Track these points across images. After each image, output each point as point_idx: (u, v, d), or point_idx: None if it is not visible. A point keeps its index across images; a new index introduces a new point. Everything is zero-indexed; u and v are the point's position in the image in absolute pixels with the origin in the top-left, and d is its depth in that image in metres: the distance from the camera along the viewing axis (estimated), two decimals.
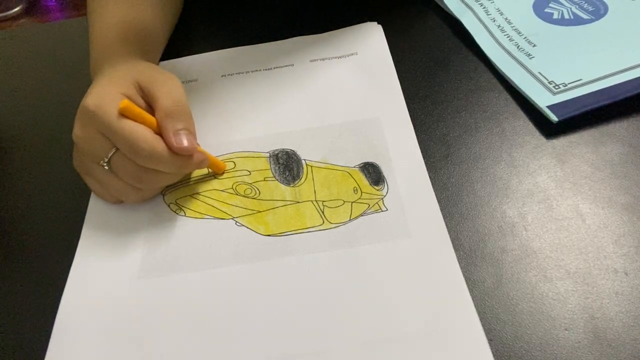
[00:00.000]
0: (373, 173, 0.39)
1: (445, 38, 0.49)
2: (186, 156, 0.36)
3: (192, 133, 0.36)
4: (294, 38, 0.50)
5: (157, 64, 0.48)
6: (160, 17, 0.47)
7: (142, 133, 0.34)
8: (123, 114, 0.34)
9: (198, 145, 0.38)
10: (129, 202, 0.38)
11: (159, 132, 0.36)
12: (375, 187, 0.38)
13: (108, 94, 0.35)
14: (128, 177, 0.36)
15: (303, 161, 0.40)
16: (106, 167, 0.36)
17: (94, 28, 0.44)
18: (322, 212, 0.37)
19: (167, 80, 0.37)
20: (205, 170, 0.40)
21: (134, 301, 0.34)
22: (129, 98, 0.36)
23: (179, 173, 0.38)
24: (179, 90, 0.37)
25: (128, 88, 0.36)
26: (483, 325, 0.30)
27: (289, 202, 0.38)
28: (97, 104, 0.34)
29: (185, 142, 0.35)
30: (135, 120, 0.35)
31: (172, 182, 0.39)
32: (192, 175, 0.40)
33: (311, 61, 0.48)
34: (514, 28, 0.48)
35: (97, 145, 0.35)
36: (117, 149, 0.35)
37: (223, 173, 0.40)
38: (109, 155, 0.35)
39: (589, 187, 0.37)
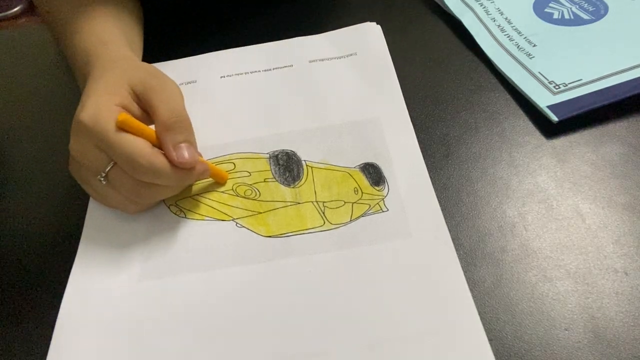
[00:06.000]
0: (373, 173, 0.39)
1: (445, 38, 0.49)
2: (187, 169, 0.35)
3: (192, 145, 0.36)
4: (293, 38, 0.50)
5: (141, 55, 0.46)
6: (124, 6, 0.46)
7: (140, 148, 0.33)
8: (121, 128, 0.34)
9: (200, 155, 0.37)
10: (127, 212, 0.38)
11: (159, 144, 0.35)
12: (375, 187, 0.38)
13: (104, 107, 0.34)
14: (126, 192, 0.35)
15: (303, 162, 0.40)
16: (103, 182, 0.35)
17: (66, 30, 0.42)
18: (323, 213, 0.37)
19: (164, 86, 0.36)
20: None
21: (134, 304, 0.34)
22: (126, 108, 0.35)
23: (179, 186, 0.37)
24: (177, 98, 0.36)
25: (124, 97, 0.35)
26: (483, 325, 0.31)
27: (289, 203, 0.38)
28: (93, 118, 0.33)
29: (186, 155, 0.35)
30: (134, 134, 0.34)
31: (171, 195, 0.38)
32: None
33: (310, 61, 0.48)
34: (514, 28, 0.48)
35: (94, 159, 0.34)
36: (115, 163, 0.34)
37: (225, 183, 0.40)
38: (106, 170, 0.34)
39: (589, 187, 0.37)
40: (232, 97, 0.46)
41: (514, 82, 0.43)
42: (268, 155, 0.41)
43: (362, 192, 0.38)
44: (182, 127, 0.35)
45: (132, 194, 0.35)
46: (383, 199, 0.37)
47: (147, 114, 0.36)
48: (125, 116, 0.34)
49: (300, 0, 0.55)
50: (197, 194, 0.39)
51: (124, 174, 0.34)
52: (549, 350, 0.30)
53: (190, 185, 0.40)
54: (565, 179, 0.37)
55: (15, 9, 1.76)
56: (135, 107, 0.36)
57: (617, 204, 0.35)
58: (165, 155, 0.35)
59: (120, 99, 0.35)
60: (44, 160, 0.45)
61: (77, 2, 0.43)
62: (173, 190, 0.37)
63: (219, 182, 0.40)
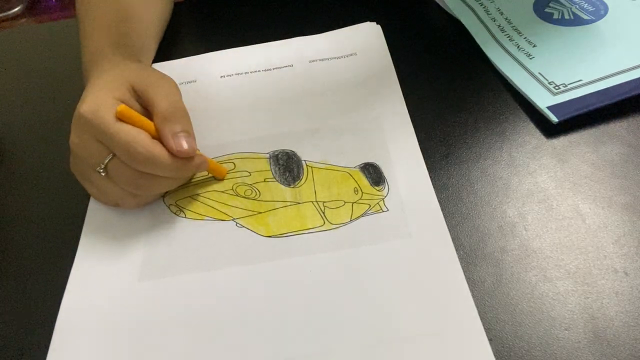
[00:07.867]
0: (374, 173, 0.39)
1: (445, 38, 0.49)
2: (185, 159, 0.36)
3: (191, 135, 0.36)
4: (293, 38, 0.50)
5: (152, 58, 0.48)
6: (153, 10, 0.47)
7: (138, 137, 0.34)
8: (120, 119, 0.34)
9: (197, 150, 0.38)
10: (126, 207, 0.38)
11: (158, 136, 0.35)
12: (375, 187, 0.38)
13: (103, 100, 0.35)
14: (125, 184, 0.36)
15: (303, 162, 0.40)
16: (102, 174, 0.35)
17: (85, 29, 0.44)
18: (323, 213, 0.37)
19: (162, 82, 0.37)
20: (206, 173, 0.40)
21: (134, 303, 0.34)
22: (125, 103, 0.35)
23: (177, 178, 0.37)
24: (175, 91, 0.37)
25: (123, 93, 0.36)
26: (483, 325, 0.31)
27: (289, 203, 0.38)
28: (92, 111, 0.34)
29: (184, 145, 0.35)
30: (133, 125, 0.34)
31: (170, 189, 0.38)
32: (192, 178, 0.40)
33: (310, 62, 0.48)
34: (514, 28, 0.48)
35: (94, 152, 0.35)
36: (114, 155, 0.35)
37: (224, 178, 0.40)
38: (105, 162, 0.35)
39: (589, 187, 0.37)
40: (232, 97, 0.46)
41: (514, 83, 0.43)
42: (268, 155, 0.41)
43: (362, 192, 0.38)
44: (180, 117, 0.36)
45: (131, 185, 0.36)
46: (383, 199, 0.37)
47: (146, 112, 0.37)
48: (124, 107, 0.34)
49: (300, 0, 0.55)
50: (197, 194, 0.39)
51: (123, 165, 0.35)
52: (549, 350, 0.30)
53: (190, 185, 0.40)
54: (565, 179, 0.37)
55: (16, 9, 1.76)
56: (134, 104, 0.36)
57: (617, 204, 0.35)
58: (164, 145, 0.35)
59: (120, 94, 0.36)
60: (44, 161, 0.45)
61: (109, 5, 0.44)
62: (172, 183, 0.37)
63: (217, 176, 0.40)
